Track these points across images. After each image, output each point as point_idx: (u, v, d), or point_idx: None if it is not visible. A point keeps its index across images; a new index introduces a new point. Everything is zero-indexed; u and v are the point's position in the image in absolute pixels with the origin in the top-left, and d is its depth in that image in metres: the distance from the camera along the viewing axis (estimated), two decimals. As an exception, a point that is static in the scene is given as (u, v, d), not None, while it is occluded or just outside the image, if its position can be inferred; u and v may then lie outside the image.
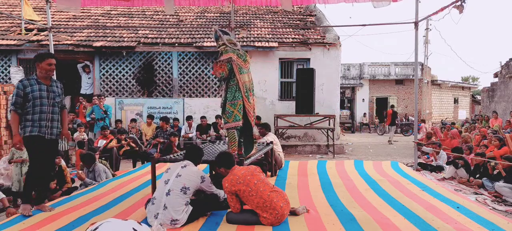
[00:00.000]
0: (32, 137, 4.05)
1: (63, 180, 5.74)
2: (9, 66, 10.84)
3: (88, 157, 6.11)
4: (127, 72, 11.20)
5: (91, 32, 11.68)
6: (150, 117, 9.99)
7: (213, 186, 4.06)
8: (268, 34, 11.89)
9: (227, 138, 5.07)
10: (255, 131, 7.53)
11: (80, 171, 5.85)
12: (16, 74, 10.47)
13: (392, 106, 16.96)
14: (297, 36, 11.72)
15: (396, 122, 16.74)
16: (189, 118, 10.24)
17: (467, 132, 11.59)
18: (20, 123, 4.09)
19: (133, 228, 2.79)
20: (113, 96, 11.10)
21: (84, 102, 10.35)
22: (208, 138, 9.69)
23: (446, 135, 10.68)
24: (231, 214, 3.84)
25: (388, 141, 14.84)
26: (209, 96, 11.28)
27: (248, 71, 4.98)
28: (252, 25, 12.69)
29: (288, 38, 11.58)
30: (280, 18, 13.55)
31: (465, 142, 9.12)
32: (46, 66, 4.14)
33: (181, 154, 5.27)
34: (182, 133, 10.04)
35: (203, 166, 6.12)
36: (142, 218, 3.89)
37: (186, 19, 13.39)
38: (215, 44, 5.38)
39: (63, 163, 6.33)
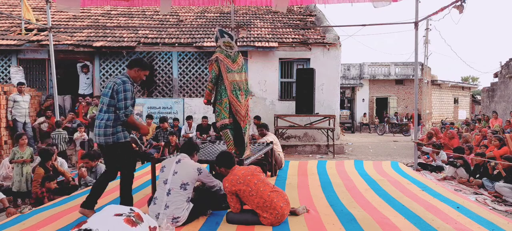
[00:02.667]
0: (127, 142, 3.89)
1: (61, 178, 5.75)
2: (9, 66, 10.84)
3: (94, 153, 6.18)
4: (127, 72, 11.18)
5: (91, 32, 11.68)
6: (149, 116, 9.97)
7: (211, 177, 4.07)
8: (268, 34, 11.89)
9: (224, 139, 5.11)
10: (254, 131, 7.54)
11: (83, 169, 5.85)
12: (16, 74, 10.48)
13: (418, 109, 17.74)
14: (297, 36, 11.72)
15: (421, 123, 17.70)
16: (189, 118, 10.24)
17: (468, 132, 11.59)
18: (107, 127, 3.75)
19: (115, 213, 2.84)
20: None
21: (83, 102, 10.35)
22: (208, 138, 9.69)
23: (446, 134, 10.69)
24: (231, 214, 3.83)
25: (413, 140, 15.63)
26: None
27: (239, 71, 5.02)
28: (252, 25, 12.69)
29: (288, 38, 11.58)
30: (280, 18, 13.55)
31: (466, 142, 9.13)
32: (142, 76, 4.02)
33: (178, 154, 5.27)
34: (182, 132, 10.04)
35: (203, 166, 6.12)
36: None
37: (186, 19, 13.39)
38: (215, 44, 5.46)
39: (59, 161, 6.34)
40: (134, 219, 2.90)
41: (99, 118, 3.80)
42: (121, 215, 2.87)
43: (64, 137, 8.18)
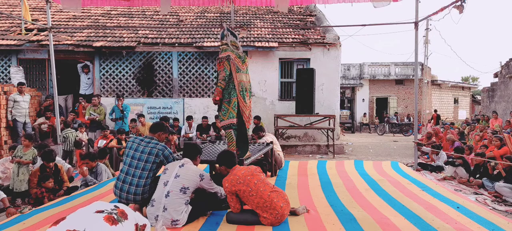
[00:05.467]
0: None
1: (61, 180, 5.73)
2: (9, 66, 10.84)
3: (94, 153, 6.22)
4: (127, 72, 11.20)
5: (91, 32, 11.68)
6: (141, 115, 9.72)
7: (213, 183, 4.05)
8: (268, 34, 11.89)
9: (226, 138, 5.10)
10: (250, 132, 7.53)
11: (84, 168, 5.85)
12: (16, 74, 10.48)
13: (435, 110, 19.40)
14: (297, 36, 11.72)
15: (440, 123, 18.49)
16: (189, 118, 10.24)
17: (470, 131, 11.58)
18: (144, 193, 4.10)
19: (97, 210, 2.75)
20: (113, 96, 11.10)
21: (83, 103, 10.35)
22: (208, 138, 9.69)
23: (446, 134, 10.69)
24: (231, 214, 3.83)
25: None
26: (209, 96, 11.27)
27: (246, 72, 5.07)
28: (252, 25, 12.69)
29: (288, 38, 11.58)
30: (280, 18, 13.55)
31: (452, 142, 9.19)
32: (164, 138, 4.39)
33: (180, 155, 5.27)
34: (182, 132, 10.04)
35: (203, 166, 6.12)
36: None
37: (186, 19, 13.39)
38: (216, 43, 5.46)
39: (61, 162, 6.34)
40: (115, 217, 2.79)
41: (137, 184, 3.93)
42: (102, 211, 2.78)
43: (74, 136, 8.25)
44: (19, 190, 5.58)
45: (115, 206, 2.91)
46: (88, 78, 11.23)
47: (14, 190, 5.59)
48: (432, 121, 18.71)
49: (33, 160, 5.94)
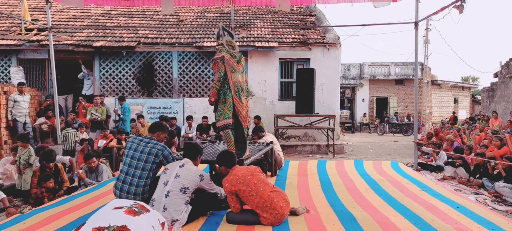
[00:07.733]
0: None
1: (61, 180, 5.73)
2: (9, 66, 10.84)
3: (94, 154, 6.23)
4: (127, 72, 11.20)
5: (91, 32, 11.68)
6: (141, 116, 9.76)
7: (213, 184, 4.05)
8: (268, 34, 11.89)
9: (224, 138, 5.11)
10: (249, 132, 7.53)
11: (80, 171, 5.86)
12: (16, 74, 10.48)
13: (454, 112, 20.25)
14: (297, 36, 11.72)
15: (457, 123, 19.05)
16: (189, 118, 10.23)
17: (467, 130, 11.58)
18: (144, 193, 4.12)
19: (115, 207, 2.80)
20: (113, 96, 11.11)
21: (83, 102, 10.35)
22: (208, 138, 9.68)
23: (447, 134, 10.68)
24: (231, 214, 3.83)
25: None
26: (209, 96, 11.24)
27: (242, 72, 5.06)
28: (252, 25, 12.69)
29: (288, 38, 11.58)
30: (280, 18, 13.55)
31: (451, 143, 9.20)
32: (163, 138, 4.39)
33: (180, 155, 5.27)
34: (182, 132, 10.03)
35: (203, 166, 6.12)
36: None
37: (186, 19, 13.39)
38: (215, 43, 5.47)
39: (64, 160, 6.35)
40: (136, 210, 2.85)
41: (137, 184, 3.92)
42: (121, 208, 2.82)
43: (75, 135, 8.26)
44: (20, 189, 5.61)
45: (134, 202, 2.99)
46: (88, 79, 11.24)
47: (17, 188, 5.61)
48: (450, 122, 19.06)
49: (28, 158, 5.98)
